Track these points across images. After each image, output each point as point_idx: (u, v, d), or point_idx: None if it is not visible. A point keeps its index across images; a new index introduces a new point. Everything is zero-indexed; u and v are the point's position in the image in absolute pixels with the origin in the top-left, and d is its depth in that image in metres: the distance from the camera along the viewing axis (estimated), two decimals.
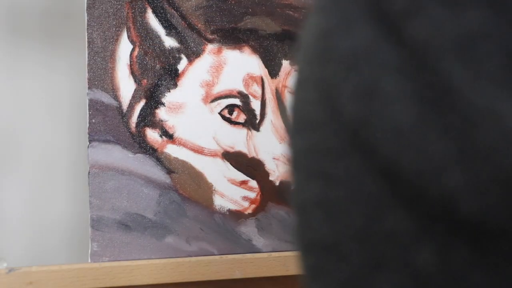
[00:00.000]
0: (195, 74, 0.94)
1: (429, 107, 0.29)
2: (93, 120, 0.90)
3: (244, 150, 0.95)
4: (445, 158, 0.28)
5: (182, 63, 0.93)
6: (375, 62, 0.30)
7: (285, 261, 0.93)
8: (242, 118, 0.95)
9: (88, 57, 0.90)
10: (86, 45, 0.90)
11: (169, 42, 0.93)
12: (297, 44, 0.35)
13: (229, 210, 0.94)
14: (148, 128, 0.92)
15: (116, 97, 0.91)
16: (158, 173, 0.92)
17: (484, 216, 0.28)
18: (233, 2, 0.95)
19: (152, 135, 0.92)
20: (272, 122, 0.96)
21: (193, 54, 0.93)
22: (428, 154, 0.29)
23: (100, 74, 0.90)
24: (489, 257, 0.29)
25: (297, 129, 0.35)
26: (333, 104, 0.32)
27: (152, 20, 0.92)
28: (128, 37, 0.91)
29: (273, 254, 0.94)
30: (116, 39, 0.91)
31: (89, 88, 0.90)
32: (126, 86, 0.91)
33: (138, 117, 0.92)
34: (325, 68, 0.32)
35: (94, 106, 0.90)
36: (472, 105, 0.28)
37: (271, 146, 0.95)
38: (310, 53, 0.34)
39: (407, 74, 0.29)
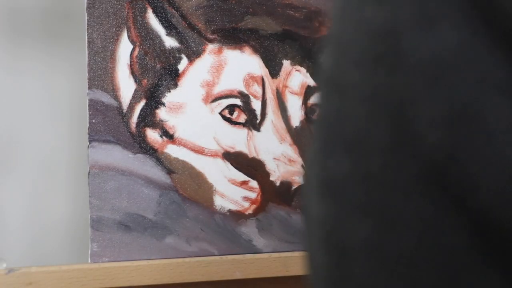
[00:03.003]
0: (196, 74, 0.93)
1: None
2: (93, 120, 0.90)
3: (244, 150, 0.94)
4: None
5: (183, 63, 0.93)
6: (473, 74, 0.21)
7: (286, 262, 0.93)
8: (242, 118, 0.94)
9: (88, 57, 0.90)
10: (86, 45, 0.90)
11: (170, 42, 0.93)
12: (326, 36, 0.27)
13: (230, 211, 0.94)
14: (148, 128, 0.92)
15: (116, 97, 0.91)
16: (158, 173, 0.92)
17: None
18: (233, 2, 0.95)
19: (152, 135, 0.92)
20: (273, 122, 0.95)
21: (194, 54, 0.93)
22: None
23: (100, 74, 0.90)
24: None
25: (332, 150, 0.26)
26: (405, 125, 0.23)
27: (153, 20, 0.92)
28: (128, 37, 0.91)
29: (274, 254, 0.94)
30: (116, 39, 0.91)
31: (89, 88, 0.90)
32: (126, 86, 0.91)
33: (138, 117, 0.91)
34: (391, 76, 0.24)
35: (94, 106, 0.90)
36: None
37: (271, 146, 0.95)
38: (359, 52, 0.25)
39: None
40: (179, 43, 0.93)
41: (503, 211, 0.21)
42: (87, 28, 0.90)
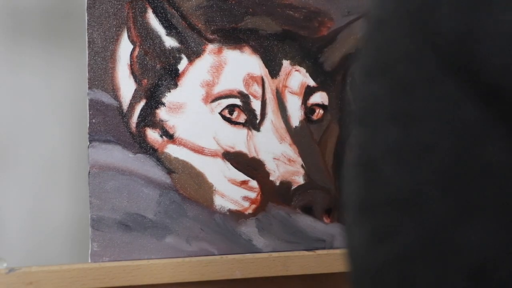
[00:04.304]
0: (196, 74, 0.93)
1: None
2: (94, 120, 0.90)
3: (244, 150, 0.95)
4: None
5: (183, 63, 0.93)
6: None
7: (286, 261, 0.93)
8: (242, 118, 0.95)
9: (88, 57, 0.90)
10: (87, 45, 0.90)
11: (170, 42, 0.93)
12: None
13: (230, 210, 0.94)
14: (148, 128, 0.92)
15: (116, 97, 0.91)
16: (158, 173, 0.92)
17: None
18: (233, 2, 0.95)
19: (153, 135, 0.92)
20: (273, 122, 0.95)
21: (194, 54, 0.93)
22: None
23: (100, 74, 0.90)
24: None
25: (370, 75, 0.29)
26: (426, 28, 0.27)
27: (153, 20, 0.92)
28: (129, 37, 0.91)
29: (274, 254, 0.94)
30: (116, 39, 0.91)
31: (89, 88, 0.90)
32: (126, 86, 0.91)
33: (139, 117, 0.92)
34: None
35: (95, 106, 0.90)
36: None
37: (271, 146, 0.95)
38: None
39: None
40: (179, 43, 0.93)
41: (509, 79, 0.24)
42: (88, 28, 0.90)
